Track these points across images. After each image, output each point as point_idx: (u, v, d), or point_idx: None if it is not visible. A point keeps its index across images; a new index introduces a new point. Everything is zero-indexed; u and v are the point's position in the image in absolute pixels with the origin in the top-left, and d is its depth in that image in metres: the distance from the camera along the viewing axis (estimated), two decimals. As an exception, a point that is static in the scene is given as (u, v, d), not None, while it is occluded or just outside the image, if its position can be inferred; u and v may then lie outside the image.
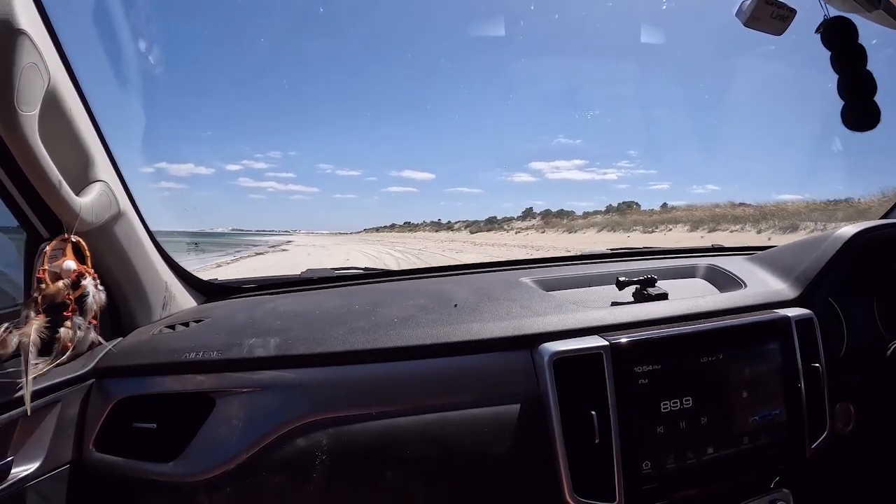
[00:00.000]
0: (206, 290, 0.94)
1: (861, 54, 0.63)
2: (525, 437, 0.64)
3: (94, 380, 0.68)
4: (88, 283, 0.65)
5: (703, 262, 0.98)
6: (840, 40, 0.61)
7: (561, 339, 0.67)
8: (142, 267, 0.77)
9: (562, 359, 0.64)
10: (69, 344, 0.64)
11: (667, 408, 0.66)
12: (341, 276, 1.03)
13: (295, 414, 0.64)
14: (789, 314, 0.75)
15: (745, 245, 1.18)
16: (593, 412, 0.63)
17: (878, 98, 0.61)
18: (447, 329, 0.69)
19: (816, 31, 0.64)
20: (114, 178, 0.71)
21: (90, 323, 0.66)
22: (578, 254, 1.15)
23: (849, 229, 0.86)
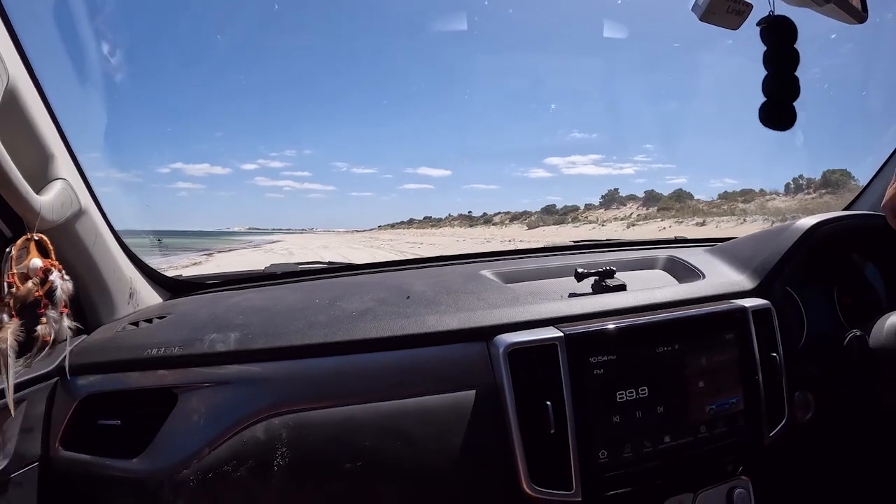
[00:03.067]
0: (171, 287, 0.95)
1: (795, 58, 0.62)
2: (482, 427, 0.66)
3: (58, 378, 0.69)
4: (55, 276, 0.67)
5: (663, 253, 1.00)
6: (778, 39, 0.62)
7: (516, 330, 0.69)
8: (105, 264, 0.78)
9: (516, 350, 0.66)
10: (48, 338, 0.66)
11: (622, 397, 0.68)
12: (305, 270, 1.05)
13: (255, 408, 0.66)
14: (746, 304, 0.78)
15: (709, 237, 1.19)
16: (548, 402, 0.64)
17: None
18: (403, 322, 0.71)
19: (758, 24, 0.64)
20: (75, 176, 0.72)
21: (62, 313, 0.67)
22: (540, 247, 1.16)
23: (807, 221, 0.88)
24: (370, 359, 0.68)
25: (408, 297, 0.78)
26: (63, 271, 0.68)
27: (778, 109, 0.60)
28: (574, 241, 1.21)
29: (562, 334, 0.67)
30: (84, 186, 0.75)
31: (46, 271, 0.66)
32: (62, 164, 0.69)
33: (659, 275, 0.95)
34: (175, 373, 0.68)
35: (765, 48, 0.60)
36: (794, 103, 0.61)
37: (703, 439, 0.72)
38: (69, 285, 0.69)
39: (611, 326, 0.70)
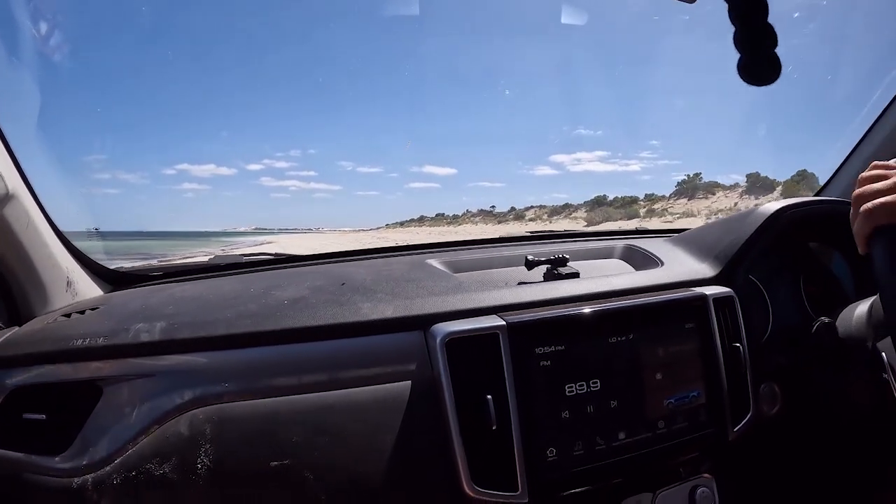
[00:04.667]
0: (112, 279, 0.92)
1: (764, 5, 0.58)
2: (418, 422, 0.62)
3: None
4: None
5: (621, 242, 0.96)
6: None
7: (457, 319, 0.65)
8: (38, 254, 0.75)
9: (455, 339, 0.62)
10: None
11: (572, 391, 0.64)
12: (250, 261, 1.01)
13: (179, 401, 0.63)
14: (707, 292, 0.74)
15: (673, 228, 1.16)
16: (489, 396, 0.59)
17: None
18: (336, 310, 0.68)
19: None
20: (1, 159, 0.68)
21: None
22: (495, 237, 1.12)
23: (771, 206, 0.84)
24: (300, 349, 0.64)
25: (343, 284, 0.75)
26: None
27: (760, 61, 0.53)
28: (531, 232, 1.17)
29: (504, 323, 0.63)
30: (13, 169, 0.71)
31: None
32: None
33: (616, 263, 0.92)
34: (100, 364, 0.65)
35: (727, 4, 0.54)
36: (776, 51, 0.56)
37: (662, 435, 0.68)
38: None
39: (557, 314, 0.66)
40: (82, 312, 0.76)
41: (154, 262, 1.04)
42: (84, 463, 0.61)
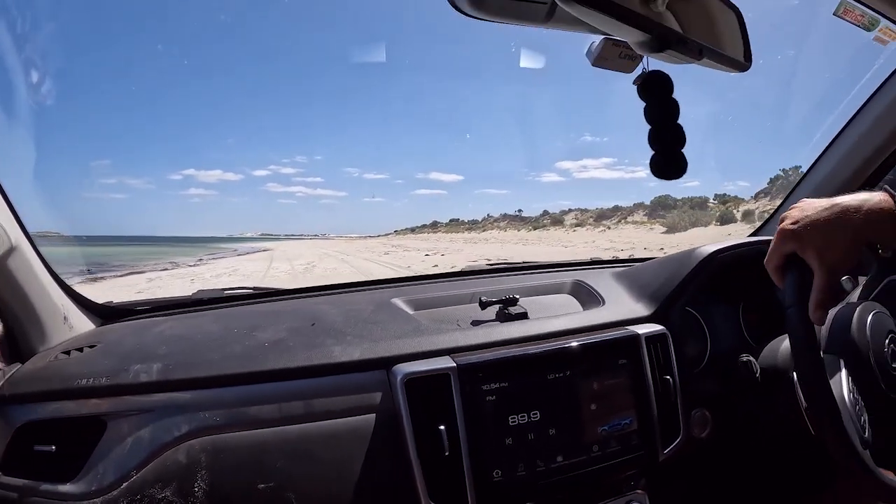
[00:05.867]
0: (102, 313, 1.01)
1: (675, 108, 0.65)
2: (382, 450, 0.73)
3: None
4: None
5: (571, 277, 1.07)
6: (655, 93, 0.65)
7: (415, 360, 0.75)
8: (37, 296, 0.84)
9: (412, 379, 0.72)
10: None
11: (514, 421, 0.75)
12: (230, 296, 1.10)
13: (177, 433, 0.72)
14: (640, 331, 0.84)
15: (630, 257, 1.25)
16: (442, 427, 0.70)
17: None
18: (311, 353, 0.78)
19: (634, 82, 0.69)
20: (5, 215, 0.77)
21: None
22: (456, 270, 1.22)
23: (705, 249, 0.95)
24: (280, 387, 0.75)
25: (313, 325, 0.85)
26: None
27: (667, 159, 0.63)
28: (490, 264, 1.26)
29: (454, 364, 0.74)
30: (14, 222, 0.81)
31: None
32: None
33: (564, 300, 1.02)
34: (104, 401, 0.75)
35: (644, 104, 0.64)
36: (682, 150, 0.63)
37: (596, 457, 0.79)
38: None
39: (500, 356, 0.77)
40: (80, 350, 0.85)
41: (140, 297, 1.12)
42: (93, 488, 0.70)
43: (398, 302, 0.96)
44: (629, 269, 1.09)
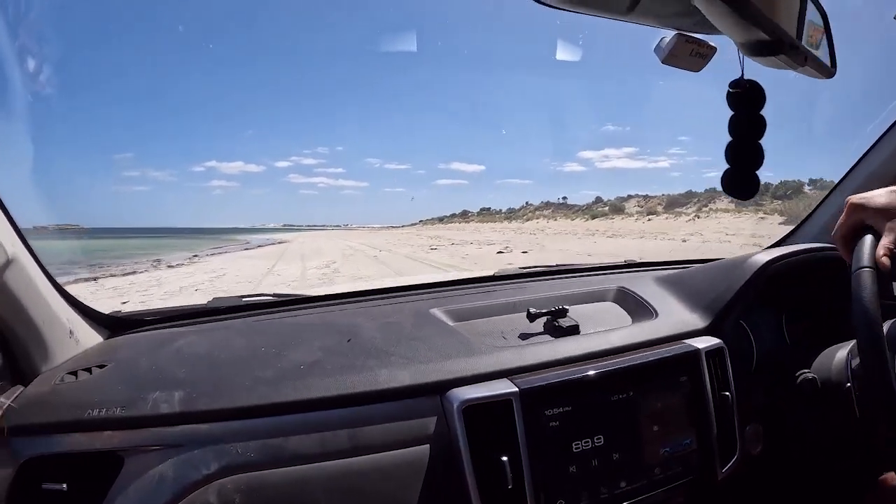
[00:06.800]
0: (109, 324, 0.91)
1: (761, 126, 0.62)
2: (438, 484, 0.66)
3: None
4: None
5: (613, 284, 1.01)
6: (747, 106, 0.61)
7: (470, 383, 0.70)
8: (39, 311, 0.75)
9: (471, 406, 0.65)
10: None
11: (578, 447, 0.69)
12: (249, 304, 1.01)
13: (206, 471, 0.64)
14: (699, 346, 0.80)
15: (664, 260, 1.21)
16: (504, 458, 0.64)
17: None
18: (354, 378, 0.70)
19: (730, 86, 0.63)
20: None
21: None
22: (489, 275, 1.15)
23: (760, 257, 0.90)
24: (321, 417, 0.67)
25: (349, 341, 0.78)
26: None
27: (742, 179, 0.60)
28: (523, 268, 1.20)
29: (516, 389, 0.68)
30: (11, 231, 0.71)
31: None
32: None
33: (610, 309, 0.96)
34: (120, 434, 0.66)
35: (731, 114, 0.59)
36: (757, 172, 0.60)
37: (658, 481, 0.75)
38: None
39: (566, 378, 0.71)
40: (89, 370, 0.76)
41: (150, 307, 1.02)
42: None
43: (437, 313, 0.89)
44: (672, 274, 1.04)
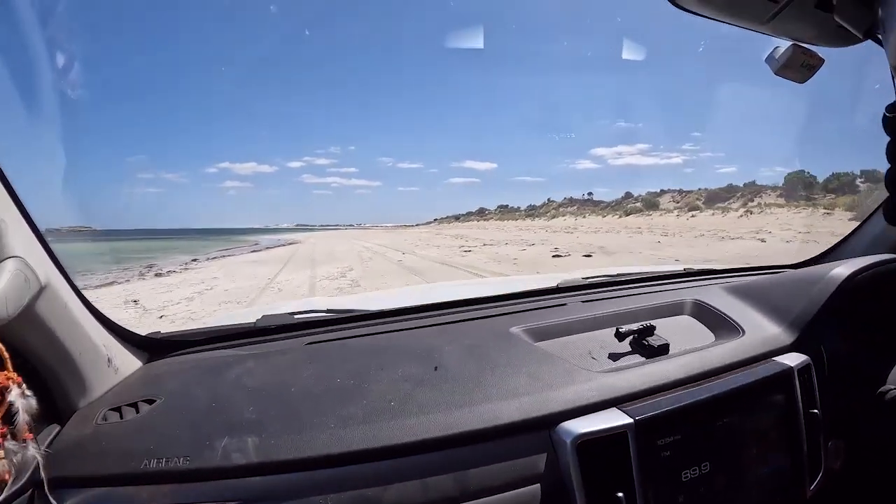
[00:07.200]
0: (148, 346, 0.81)
1: None
2: None
3: (32, 490, 0.56)
4: (14, 394, 0.52)
5: (686, 295, 0.98)
6: None
7: (578, 415, 0.64)
8: (74, 340, 0.64)
9: (585, 441, 0.60)
10: (7, 476, 0.51)
11: (687, 476, 0.66)
12: (302, 322, 0.91)
13: None
14: (791, 364, 0.78)
15: (725, 268, 1.20)
16: (620, 494, 0.59)
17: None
18: (455, 415, 0.63)
19: (887, 110, 0.55)
20: (31, 248, 0.57)
21: (24, 440, 0.52)
22: (553, 286, 1.08)
23: (842, 270, 0.88)
24: (422, 461, 0.60)
25: (436, 369, 0.71)
26: (23, 385, 0.53)
27: None
28: (585, 278, 1.14)
29: (631, 420, 0.63)
30: (44, 256, 0.60)
31: (2, 390, 0.51)
32: (13, 237, 0.54)
33: (690, 324, 0.92)
34: (184, 488, 0.57)
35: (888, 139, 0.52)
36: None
37: (756, 502, 0.71)
38: (33, 402, 0.54)
39: (676, 405, 0.67)
40: (134, 406, 0.66)
41: (191, 328, 0.90)
42: None
43: (518, 332, 0.82)
44: (742, 285, 1.00)
